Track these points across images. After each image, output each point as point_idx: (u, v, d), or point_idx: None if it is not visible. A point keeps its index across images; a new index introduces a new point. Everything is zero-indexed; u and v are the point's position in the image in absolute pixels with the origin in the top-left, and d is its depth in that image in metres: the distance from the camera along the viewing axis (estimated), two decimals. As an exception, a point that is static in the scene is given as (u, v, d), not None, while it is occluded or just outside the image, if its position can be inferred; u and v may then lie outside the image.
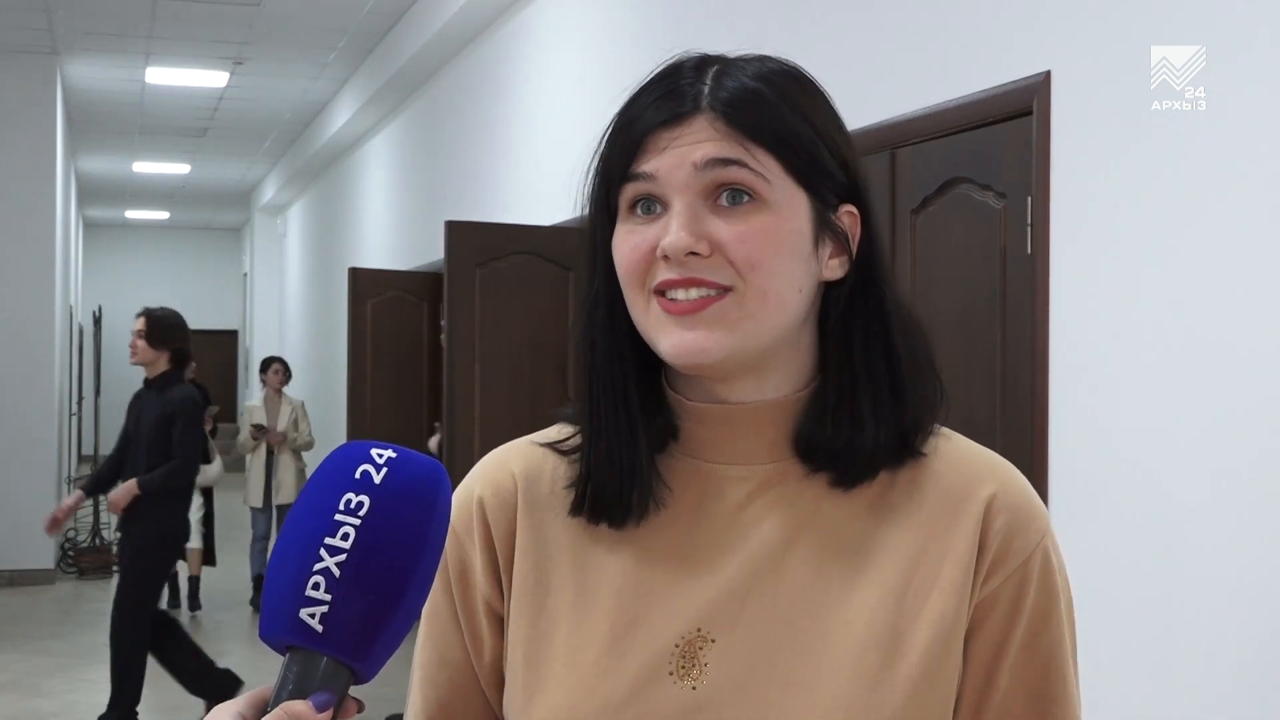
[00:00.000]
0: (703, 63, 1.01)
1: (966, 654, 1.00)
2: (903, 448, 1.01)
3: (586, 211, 1.04)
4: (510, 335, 5.41)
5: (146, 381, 5.77)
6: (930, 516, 1.00)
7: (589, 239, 1.04)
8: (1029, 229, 3.06)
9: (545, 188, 6.36)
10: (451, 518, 1.05)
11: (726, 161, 0.96)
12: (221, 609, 8.79)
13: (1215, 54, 2.58)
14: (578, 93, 6.08)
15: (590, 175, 1.03)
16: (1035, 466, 2.98)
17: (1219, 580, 2.56)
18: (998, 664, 1.00)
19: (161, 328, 5.70)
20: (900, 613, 0.97)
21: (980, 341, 3.23)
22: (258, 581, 8.95)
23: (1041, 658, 1.01)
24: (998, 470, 1.03)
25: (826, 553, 1.00)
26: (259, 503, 8.75)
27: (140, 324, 5.70)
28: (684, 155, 0.97)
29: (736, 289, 0.96)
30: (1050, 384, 2.99)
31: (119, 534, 5.75)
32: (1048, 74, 2.99)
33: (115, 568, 5.93)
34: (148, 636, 5.71)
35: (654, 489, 1.02)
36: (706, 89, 0.98)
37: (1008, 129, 3.17)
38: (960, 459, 1.03)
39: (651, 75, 1.02)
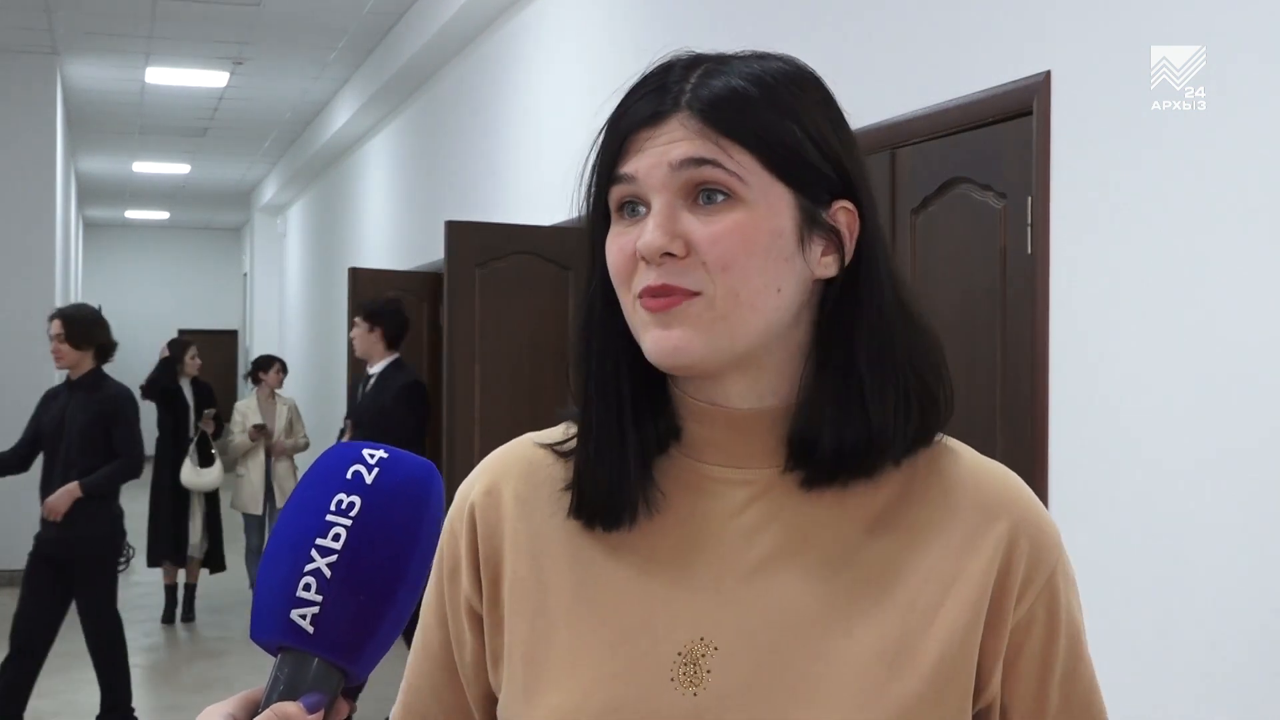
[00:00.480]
0: (694, 62, 1.00)
1: (1013, 677, 1.00)
2: (874, 454, 0.99)
3: (585, 211, 1.04)
4: (510, 335, 5.40)
5: (72, 382, 5.54)
6: (943, 533, 1.00)
7: (588, 239, 1.04)
8: (1029, 229, 3.06)
9: (545, 188, 6.35)
10: (450, 514, 1.05)
11: (701, 161, 0.96)
12: (223, 611, 8.77)
13: (1215, 54, 2.57)
14: (578, 93, 6.07)
15: (586, 175, 1.02)
16: (1035, 466, 2.97)
17: (1220, 580, 2.56)
18: (1046, 683, 1.00)
19: (80, 326, 5.49)
20: (908, 627, 0.97)
21: (980, 341, 3.22)
22: None
23: (1085, 672, 1.02)
24: (1014, 490, 1.02)
25: (832, 566, 0.99)
26: (257, 509, 8.57)
27: (57, 328, 5.45)
28: (661, 155, 0.96)
29: (706, 293, 0.96)
30: (1050, 384, 2.99)
31: (50, 534, 5.45)
32: (1048, 74, 2.99)
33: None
34: (122, 629, 5.64)
35: (646, 492, 1.01)
36: (689, 88, 0.98)
37: (1008, 129, 3.16)
38: (971, 474, 1.02)
39: (644, 73, 1.01)
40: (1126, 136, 2.80)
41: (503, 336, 5.39)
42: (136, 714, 5.78)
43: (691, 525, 1.01)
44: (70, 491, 5.39)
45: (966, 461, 1.03)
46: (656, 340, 0.97)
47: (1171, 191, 2.68)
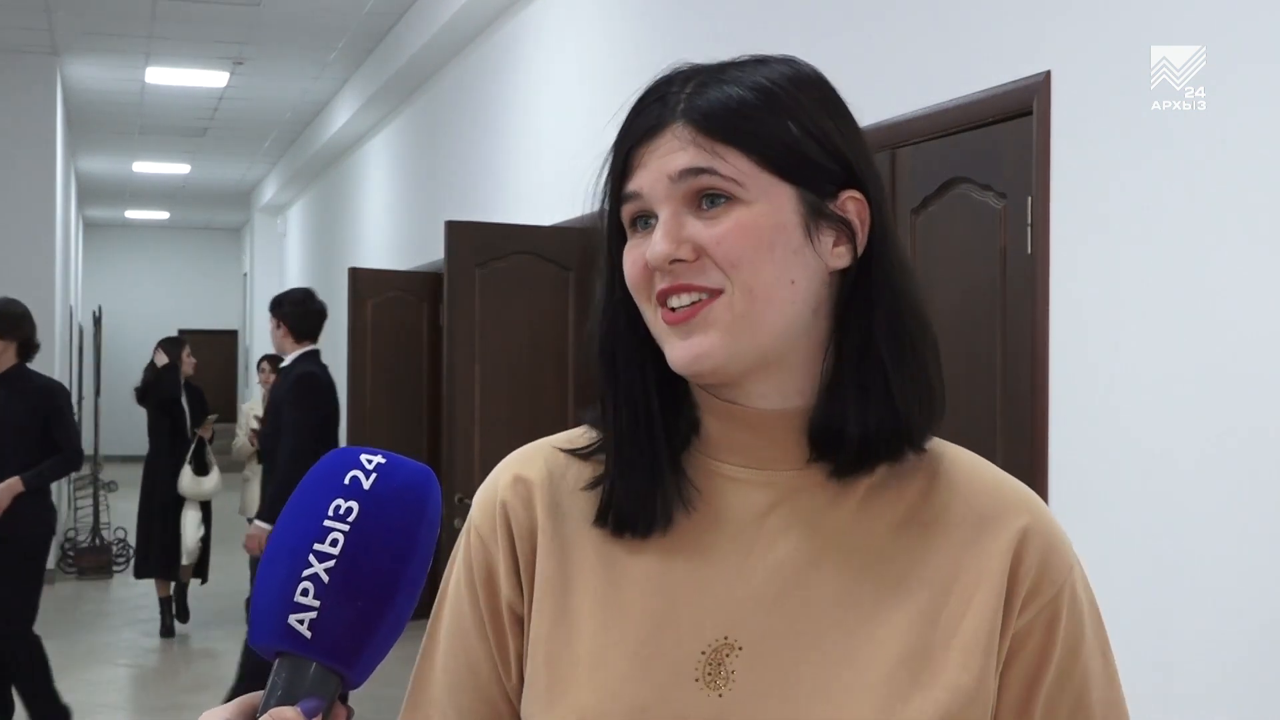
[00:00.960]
0: (691, 74, 1.02)
1: (1001, 686, 1.00)
2: (900, 440, 1.01)
3: (600, 224, 1.05)
4: (510, 335, 5.40)
5: None
6: (963, 540, 1.01)
7: (604, 252, 1.05)
8: (1029, 229, 3.06)
9: (545, 188, 6.35)
10: (475, 519, 1.05)
11: (698, 170, 0.98)
12: (222, 612, 8.77)
13: (1215, 54, 2.57)
14: (578, 92, 6.07)
15: (598, 192, 1.04)
16: (1035, 466, 2.97)
17: (1220, 579, 2.56)
18: (1032, 696, 1.00)
19: (6, 319, 5.39)
20: (933, 633, 0.98)
21: (980, 341, 3.22)
22: None
23: (1074, 690, 1.01)
24: (1029, 501, 1.04)
25: (855, 570, 1.00)
26: None
27: None
28: (660, 168, 0.99)
29: (725, 290, 0.97)
30: (1050, 384, 2.99)
31: None
32: (1048, 74, 2.98)
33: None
34: (42, 650, 5.44)
35: (683, 494, 1.02)
36: (683, 99, 1.00)
37: (1008, 129, 3.16)
38: (988, 484, 1.04)
39: (644, 88, 1.03)
40: (1126, 136, 2.79)
41: (503, 336, 5.39)
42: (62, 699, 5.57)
43: (715, 526, 1.02)
44: (11, 486, 5.29)
45: (987, 473, 1.05)
46: (680, 351, 0.98)
47: (1171, 191, 2.68)
